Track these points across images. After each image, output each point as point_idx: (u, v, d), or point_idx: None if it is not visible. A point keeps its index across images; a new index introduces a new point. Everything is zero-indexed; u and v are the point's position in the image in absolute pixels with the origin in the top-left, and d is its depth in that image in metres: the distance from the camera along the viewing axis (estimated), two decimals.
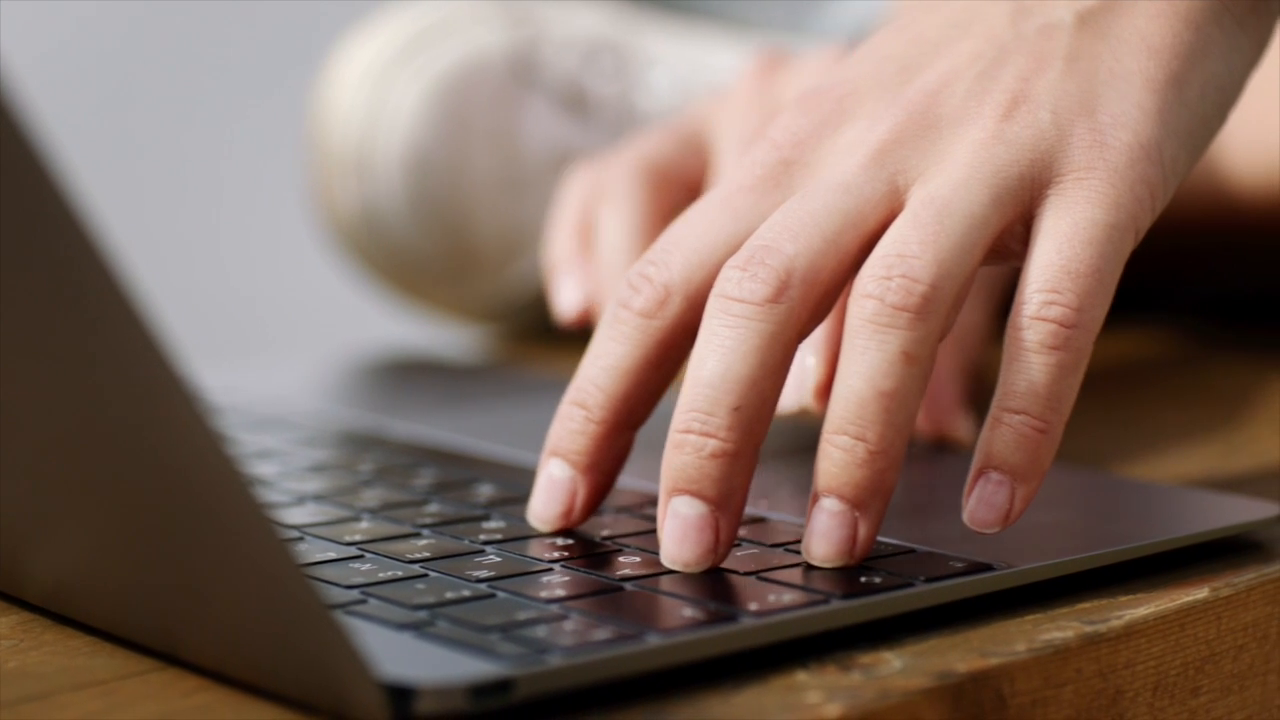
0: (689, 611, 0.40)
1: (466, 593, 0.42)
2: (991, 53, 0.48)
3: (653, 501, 0.50)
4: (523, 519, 0.48)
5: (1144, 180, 0.46)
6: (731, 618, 0.40)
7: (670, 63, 0.86)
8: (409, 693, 0.36)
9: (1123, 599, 0.45)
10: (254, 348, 1.49)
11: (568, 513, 0.47)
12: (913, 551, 0.45)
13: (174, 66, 1.57)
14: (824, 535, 0.44)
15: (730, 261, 0.45)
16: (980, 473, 0.44)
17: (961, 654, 0.41)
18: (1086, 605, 0.44)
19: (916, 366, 0.44)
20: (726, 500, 0.44)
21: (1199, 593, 0.45)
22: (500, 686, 0.37)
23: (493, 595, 0.42)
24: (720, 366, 0.44)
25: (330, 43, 0.88)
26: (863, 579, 0.43)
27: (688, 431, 0.44)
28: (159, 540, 0.39)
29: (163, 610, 0.41)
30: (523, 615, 0.40)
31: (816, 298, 0.45)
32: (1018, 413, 0.44)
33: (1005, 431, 0.44)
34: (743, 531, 0.47)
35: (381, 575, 0.43)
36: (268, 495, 0.51)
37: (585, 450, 0.47)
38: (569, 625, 0.40)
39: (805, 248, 0.45)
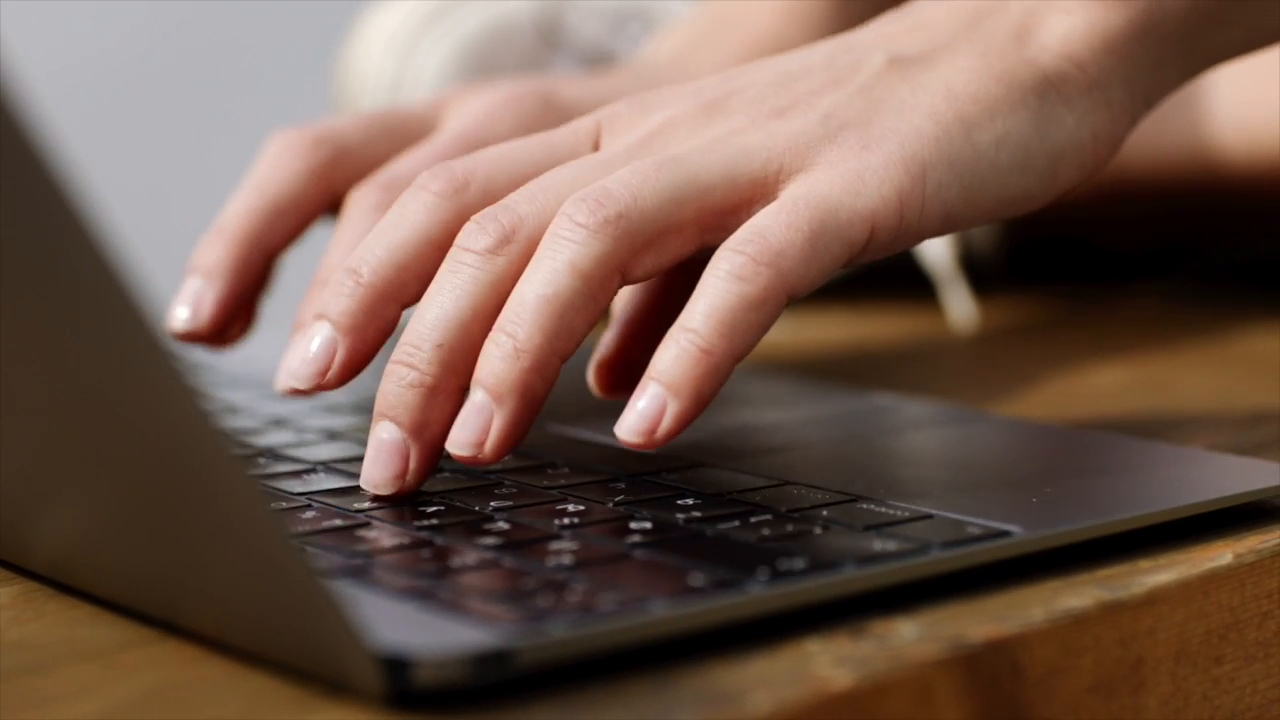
0: (696, 579, 0.40)
1: (471, 560, 0.41)
2: (797, 73, 0.50)
3: (670, 469, 0.49)
4: (531, 485, 0.47)
5: (895, 186, 0.47)
6: (740, 585, 0.39)
7: None
8: (406, 663, 0.35)
9: (1144, 565, 0.44)
10: (280, 319, 1.48)
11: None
12: (929, 517, 0.44)
13: (197, 37, 1.57)
14: (463, 423, 0.46)
15: (471, 218, 0.47)
16: (641, 386, 0.45)
17: (977, 622, 0.40)
18: (1107, 572, 0.43)
19: (581, 281, 0.45)
20: (420, 430, 0.46)
21: (1223, 558, 0.44)
22: (501, 657, 0.36)
23: (497, 563, 0.41)
24: (435, 307, 0.46)
25: (352, 10, 0.87)
26: (877, 545, 0.42)
27: (397, 363, 0.46)
28: (155, 511, 0.38)
29: (162, 580, 0.40)
30: (526, 583, 0.40)
31: None
32: (688, 330, 0.45)
33: (671, 346, 0.45)
34: (757, 498, 0.46)
35: (386, 543, 0.43)
36: (279, 464, 0.51)
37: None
38: (572, 594, 0.39)
39: (537, 210, 0.47)
